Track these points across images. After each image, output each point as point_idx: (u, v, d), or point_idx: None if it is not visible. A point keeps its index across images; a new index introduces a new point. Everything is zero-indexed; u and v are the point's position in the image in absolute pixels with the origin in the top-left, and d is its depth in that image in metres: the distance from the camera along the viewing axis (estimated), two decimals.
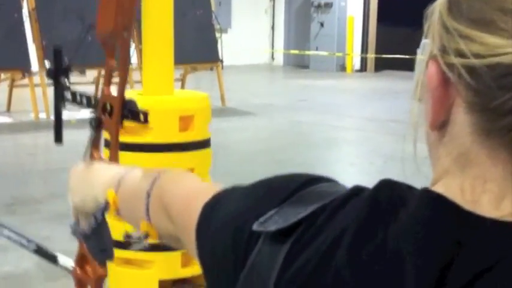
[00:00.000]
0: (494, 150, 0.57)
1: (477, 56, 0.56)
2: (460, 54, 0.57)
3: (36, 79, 9.40)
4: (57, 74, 1.16)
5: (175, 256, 3.36)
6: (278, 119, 9.68)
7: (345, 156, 7.87)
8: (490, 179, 0.58)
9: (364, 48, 16.86)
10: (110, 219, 1.03)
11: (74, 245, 4.75)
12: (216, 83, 10.55)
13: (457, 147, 0.59)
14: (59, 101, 1.18)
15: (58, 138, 1.20)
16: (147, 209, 0.90)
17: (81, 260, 1.20)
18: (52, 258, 2.54)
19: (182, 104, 3.39)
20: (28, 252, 4.42)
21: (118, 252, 1.23)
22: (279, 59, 18.81)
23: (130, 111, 1.14)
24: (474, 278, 0.55)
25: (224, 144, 7.12)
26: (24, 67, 9.45)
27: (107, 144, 1.20)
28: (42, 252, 2.53)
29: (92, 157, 1.19)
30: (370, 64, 16.93)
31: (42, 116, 9.26)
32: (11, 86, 9.84)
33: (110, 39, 1.14)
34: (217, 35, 11.31)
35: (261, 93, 12.33)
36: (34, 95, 9.27)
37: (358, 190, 0.66)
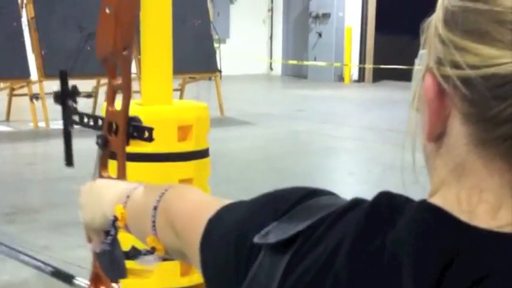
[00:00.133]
0: (490, 160, 0.58)
1: (472, 67, 0.56)
2: (456, 65, 0.58)
3: (36, 88, 9.41)
4: (64, 97, 1.17)
5: (174, 265, 3.36)
6: (276, 128, 9.69)
7: (343, 165, 7.87)
8: (486, 188, 0.58)
9: (362, 59, 16.89)
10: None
11: (72, 254, 4.74)
12: (214, 92, 10.56)
13: (454, 158, 0.60)
14: (68, 125, 1.18)
15: (69, 161, 1.20)
16: (154, 224, 0.92)
17: (95, 280, 1.20)
18: (68, 279, 2.55)
19: (181, 113, 3.39)
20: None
21: None
22: (277, 69, 18.84)
23: (135, 128, 1.14)
24: None
25: (223, 154, 7.12)
26: (23, 76, 9.47)
27: (112, 156, 1.20)
28: (59, 274, 2.54)
29: (100, 176, 1.20)
30: (368, 74, 16.96)
31: (42, 125, 9.27)
32: (10, 95, 9.85)
33: (111, 59, 1.14)
34: (216, 45, 11.33)
35: (260, 103, 12.35)
36: (33, 104, 9.28)
37: (357, 202, 0.67)
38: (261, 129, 9.57)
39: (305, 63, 16.70)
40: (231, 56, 15.88)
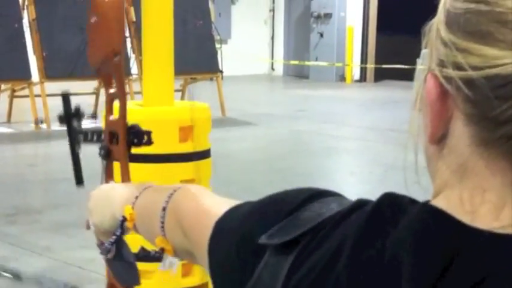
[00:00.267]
0: (493, 160, 0.58)
1: (475, 68, 0.56)
2: (458, 67, 0.58)
3: (37, 89, 9.42)
4: (69, 119, 1.17)
5: None
6: (278, 128, 9.69)
7: (344, 165, 7.87)
8: (488, 188, 0.58)
9: (364, 58, 16.90)
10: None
11: (73, 255, 4.74)
12: (216, 93, 10.57)
13: (456, 159, 0.60)
14: (75, 146, 1.18)
15: (79, 181, 1.20)
16: (163, 225, 0.92)
17: None
18: None
19: (182, 114, 3.39)
20: (28, 262, 4.43)
21: None
22: (279, 69, 18.85)
23: (134, 134, 1.14)
24: None
25: (224, 154, 7.12)
26: (24, 77, 9.48)
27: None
28: None
29: None
30: (370, 74, 16.96)
31: (43, 126, 9.28)
32: (12, 97, 9.86)
33: (104, 67, 1.14)
34: (217, 45, 11.34)
35: (261, 103, 12.35)
36: (34, 105, 9.29)
37: (361, 203, 0.68)
38: (263, 130, 9.57)
39: (307, 63, 16.70)
40: (232, 56, 15.89)
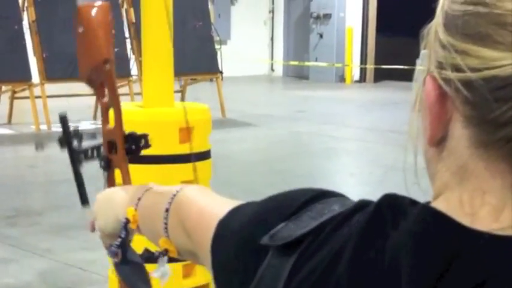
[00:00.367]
0: (493, 162, 0.58)
1: (473, 69, 0.57)
2: (457, 68, 0.58)
3: (37, 91, 9.42)
4: (69, 140, 1.17)
5: (176, 267, 3.36)
6: (278, 129, 9.69)
7: (344, 166, 7.87)
8: (488, 191, 0.58)
9: (363, 59, 16.90)
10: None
11: (74, 257, 4.72)
12: (215, 94, 10.57)
13: (455, 161, 0.60)
14: (76, 166, 1.19)
15: (84, 201, 1.20)
16: (166, 226, 0.93)
17: None
18: None
19: (182, 115, 3.39)
20: (29, 264, 4.43)
21: None
22: (279, 70, 18.85)
23: (131, 140, 1.14)
24: None
25: (224, 155, 7.12)
26: (25, 79, 9.48)
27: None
28: None
29: None
30: (369, 75, 16.96)
31: (43, 127, 9.28)
32: (12, 98, 9.86)
33: (94, 77, 1.14)
34: (217, 46, 11.35)
35: (261, 104, 12.35)
36: (35, 106, 9.29)
37: (363, 204, 0.68)
38: (263, 131, 9.57)
39: (306, 64, 16.70)
40: (232, 57, 15.89)
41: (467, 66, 0.57)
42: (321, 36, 17.08)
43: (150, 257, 1.00)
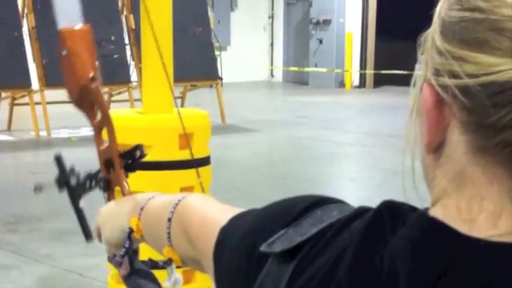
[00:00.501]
0: (490, 168, 0.58)
1: (470, 75, 0.57)
2: (454, 75, 0.58)
3: (37, 97, 9.43)
4: (67, 180, 1.18)
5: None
6: (278, 135, 9.69)
7: (344, 171, 7.87)
8: (486, 197, 0.58)
9: (363, 64, 16.91)
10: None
11: (74, 263, 4.72)
12: (215, 100, 10.58)
13: (453, 167, 0.60)
14: (77, 204, 1.19)
15: (88, 236, 1.20)
16: (169, 235, 0.93)
17: None
18: None
19: (182, 121, 3.40)
20: (30, 269, 4.43)
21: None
22: (278, 76, 18.86)
23: (127, 154, 1.13)
24: None
25: (225, 161, 7.12)
26: (24, 85, 9.49)
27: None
28: None
29: None
30: (369, 80, 16.98)
31: (43, 134, 9.28)
32: (12, 104, 9.87)
33: (84, 98, 1.14)
34: (217, 52, 11.37)
35: (261, 110, 12.36)
36: (35, 113, 9.30)
37: (362, 211, 0.68)
38: (263, 136, 9.58)
39: (306, 69, 16.72)
40: (232, 63, 15.91)
41: (464, 72, 0.57)
42: (321, 41, 17.10)
43: (154, 266, 1.00)
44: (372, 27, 16.93)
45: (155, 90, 3.40)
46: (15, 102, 9.89)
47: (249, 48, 18.01)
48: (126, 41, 10.57)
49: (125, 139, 3.21)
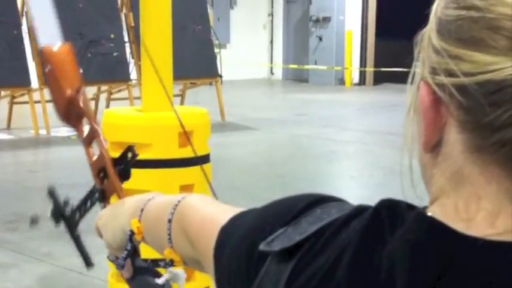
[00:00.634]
0: (487, 167, 0.58)
1: (467, 74, 0.57)
2: (450, 73, 0.58)
3: (36, 96, 9.42)
4: (61, 212, 1.18)
5: None
6: (278, 133, 9.69)
7: (344, 169, 7.87)
8: (483, 196, 0.58)
9: (363, 62, 16.91)
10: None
11: (74, 261, 4.73)
12: (215, 98, 10.57)
13: (450, 166, 0.60)
14: (74, 233, 1.20)
15: (88, 262, 1.21)
16: (170, 237, 0.93)
17: None
18: None
19: (182, 119, 3.40)
20: (30, 268, 4.43)
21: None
22: (278, 74, 18.86)
23: (118, 159, 1.13)
24: None
25: (225, 159, 7.12)
26: (24, 84, 9.49)
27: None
28: None
29: None
30: (369, 77, 16.97)
31: (43, 132, 9.28)
32: (11, 103, 9.87)
33: (71, 111, 1.15)
34: (216, 50, 11.36)
35: (261, 108, 12.36)
36: (34, 111, 9.30)
37: (361, 209, 0.68)
38: (263, 134, 9.57)
39: (306, 67, 16.71)
40: (231, 61, 15.90)
41: (460, 71, 0.57)
42: (321, 39, 17.10)
43: (155, 266, 1.01)
44: (372, 25, 16.92)
45: (154, 88, 3.40)
46: (15, 100, 9.88)
47: (248, 46, 18.01)
48: (126, 38, 10.57)
49: (125, 137, 3.21)
